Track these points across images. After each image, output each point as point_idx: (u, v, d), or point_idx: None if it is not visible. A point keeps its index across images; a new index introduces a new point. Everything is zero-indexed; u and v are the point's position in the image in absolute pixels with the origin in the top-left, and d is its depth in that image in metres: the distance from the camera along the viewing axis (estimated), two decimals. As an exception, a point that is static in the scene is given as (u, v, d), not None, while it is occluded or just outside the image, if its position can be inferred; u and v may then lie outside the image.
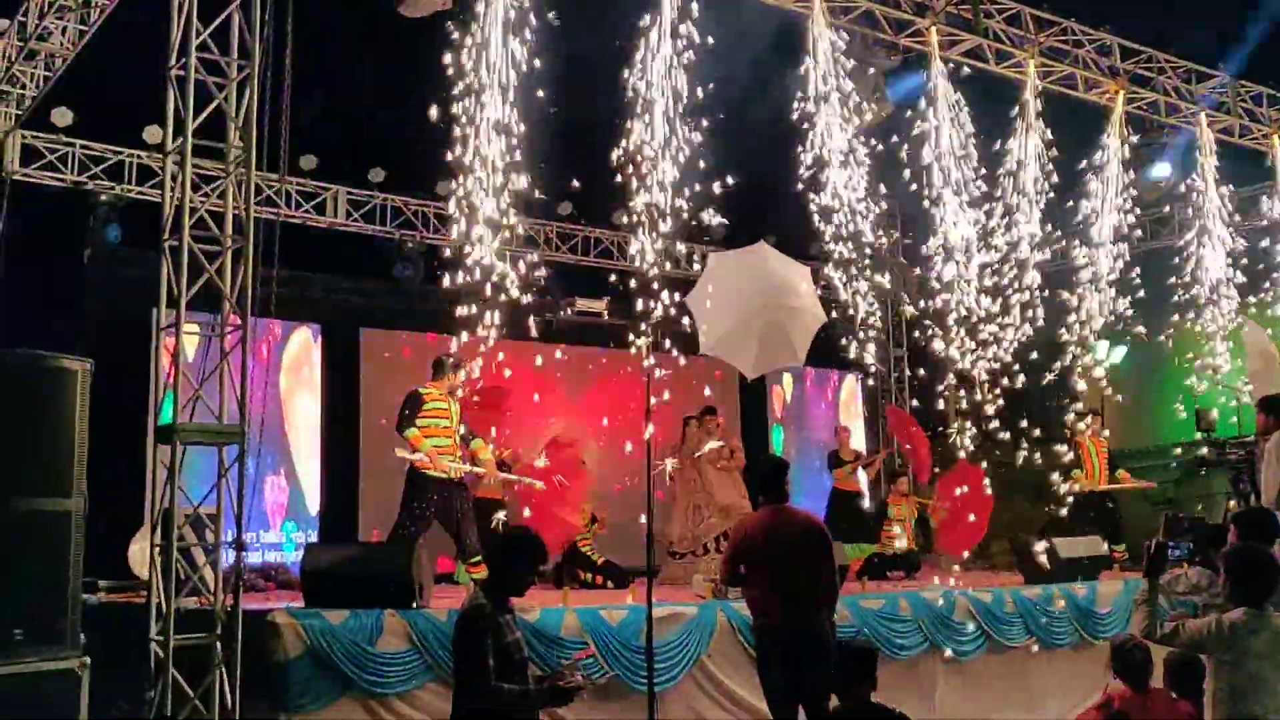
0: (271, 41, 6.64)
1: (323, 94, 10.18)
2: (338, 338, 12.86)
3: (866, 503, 12.50)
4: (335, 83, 10.86)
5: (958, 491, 10.84)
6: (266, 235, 6.91)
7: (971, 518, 10.80)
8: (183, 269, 6.37)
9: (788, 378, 15.64)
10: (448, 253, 8.08)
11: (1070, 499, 11.15)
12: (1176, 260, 12.18)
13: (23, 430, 5.67)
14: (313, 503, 12.41)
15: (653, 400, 6.84)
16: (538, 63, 7.78)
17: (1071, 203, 11.23)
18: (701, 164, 8.21)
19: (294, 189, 12.31)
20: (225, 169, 6.69)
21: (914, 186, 9.93)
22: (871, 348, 9.68)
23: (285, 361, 12.33)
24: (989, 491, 10.81)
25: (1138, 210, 11.96)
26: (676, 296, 8.15)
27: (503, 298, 8.15)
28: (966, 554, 11.27)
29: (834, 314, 9.65)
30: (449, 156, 7.82)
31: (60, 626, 5.62)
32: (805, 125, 9.31)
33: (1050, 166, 10.55)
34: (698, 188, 8.23)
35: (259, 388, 6.77)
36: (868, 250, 9.55)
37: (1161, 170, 11.62)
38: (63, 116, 10.78)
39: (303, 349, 12.54)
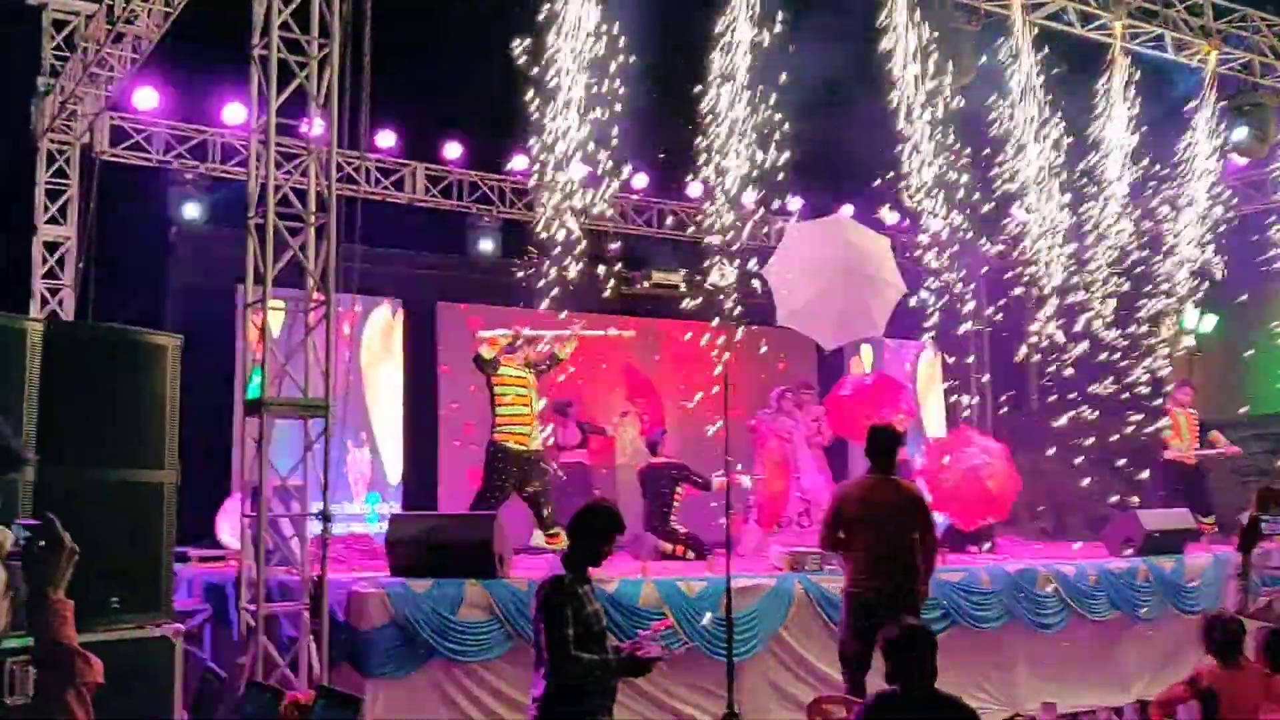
0: (350, 20, 6.70)
1: (401, 71, 10.26)
2: (416, 312, 13.02)
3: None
4: (413, 60, 10.93)
5: (945, 459, 10.59)
6: (347, 212, 7.00)
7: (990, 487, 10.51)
8: (268, 246, 6.49)
9: (866, 349, 15.48)
10: (523, 226, 8.14)
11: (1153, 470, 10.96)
12: (1271, 224, 11.85)
13: (117, 404, 5.82)
14: (394, 474, 12.61)
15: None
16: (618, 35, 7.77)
17: (1159, 169, 10.97)
18: (780, 134, 8.16)
19: (373, 165, 12.45)
20: (307, 147, 6.79)
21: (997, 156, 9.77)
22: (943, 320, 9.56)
23: (366, 336, 12.50)
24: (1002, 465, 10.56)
25: (1234, 174, 11.64)
26: (754, 268, 8.14)
27: (578, 270, 8.20)
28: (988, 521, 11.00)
29: (913, 282, 9.55)
30: (527, 129, 7.87)
31: (155, 594, 5.77)
32: (888, 94, 9.20)
33: (1138, 132, 10.31)
34: (777, 156, 8.17)
35: (342, 362, 6.88)
36: (949, 222, 9.43)
37: (1240, 134, 11.26)
38: (148, 98, 10.99)
39: (383, 323, 12.70)
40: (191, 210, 11.66)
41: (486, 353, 8.94)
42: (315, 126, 6.78)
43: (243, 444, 6.93)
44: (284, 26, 6.59)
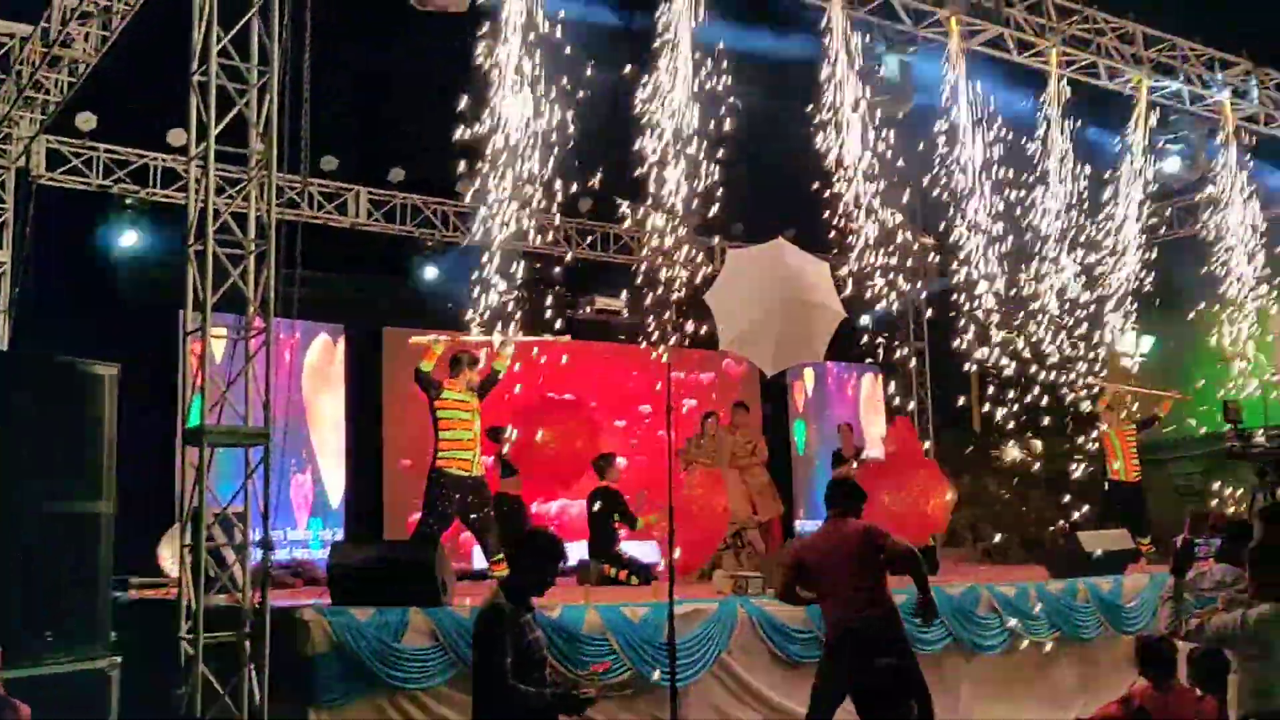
0: (290, 46, 6.70)
1: (342, 95, 10.26)
2: (360, 337, 12.96)
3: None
4: (354, 84, 10.93)
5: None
6: (289, 237, 6.96)
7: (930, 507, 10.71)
8: (207, 272, 6.44)
9: (809, 373, 15.64)
10: (467, 250, 8.15)
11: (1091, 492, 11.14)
12: (1202, 250, 12.11)
13: (54, 434, 5.76)
14: (338, 500, 12.53)
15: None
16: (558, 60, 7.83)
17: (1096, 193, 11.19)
18: (718, 161, 8.24)
19: (315, 190, 12.40)
20: (248, 173, 6.76)
21: (936, 181, 9.93)
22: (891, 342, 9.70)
23: (309, 362, 12.44)
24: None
25: (1163, 200, 11.93)
26: (697, 293, 8.19)
27: (522, 294, 8.22)
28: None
29: (854, 309, 9.65)
30: (469, 155, 7.90)
31: (91, 628, 5.70)
32: (825, 119, 9.32)
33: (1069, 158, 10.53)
34: (714, 183, 8.25)
35: (283, 389, 6.83)
36: (888, 245, 9.55)
37: (1172, 160, 11.55)
38: (87, 121, 10.87)
39: (326, 349, 12.64)
40: (131, 236, 11.53)
41: (426, 365, 8.91)
42: (256, 152, 6.75)
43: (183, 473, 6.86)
44: (223, 53, 6.57)
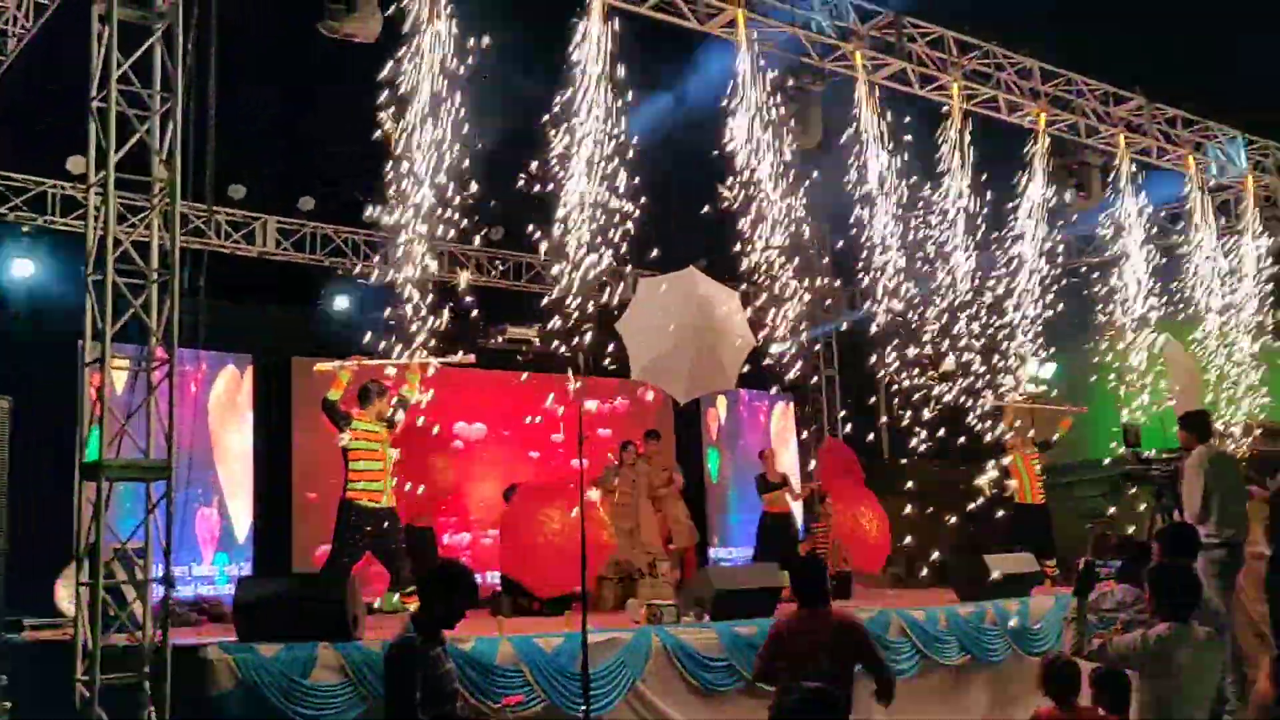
0: (194, 73, 6.60)
1: (251, 123, 10.12)
2: (269, 367, 12.74)
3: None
4: (264, 111, 10.80)
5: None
6: (194, 266, 6.84)
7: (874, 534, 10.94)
8: (107, 302, 6.30)
9: (722, 401, 15.73)
10: (377, 280, 8.09)
11: (1001, 513, 11.34)
12: (1100, 278, 12.45)
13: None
14: (246, 534, 12.26)
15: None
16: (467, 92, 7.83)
17: (992, 231, 11.46)
18: (630, 191, 8.30)
19: (222, 219, 12.21)
20: (150, 201, 6.63)
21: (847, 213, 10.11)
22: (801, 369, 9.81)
23: (215, 393, 12.19)
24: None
25: (1063, 230, 12.26)
26: (608, 323, 8.22)
27: (432, 324, 8.16)
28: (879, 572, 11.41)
29: (764, 337, 9.75)
30: (379, 183, 7.85)
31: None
32: (735, 151, 9.42)
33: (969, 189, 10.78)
34: (626, 214, 8.30)
35: (187, 421, 6.70)
36: (797, 274, 9.68)
37: (1069, 192, 11.91)
38: (-18, 147, 10.61)
39: (233, 380, 12.39)
40: (27, 265, 11.23)
41: (333, 394, 8.78)
42: (159, 180, 6.63)
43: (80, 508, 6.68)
44: (124, 79, 6.45)
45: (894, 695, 6.57)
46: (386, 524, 8.84)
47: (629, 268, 11.63)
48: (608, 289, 8.60)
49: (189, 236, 11.22)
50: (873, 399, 11.14)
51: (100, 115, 6.44)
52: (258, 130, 10.81)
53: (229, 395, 12.33)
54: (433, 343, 8.60)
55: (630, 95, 8.50)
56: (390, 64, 7.86)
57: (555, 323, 8.30)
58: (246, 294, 12.26)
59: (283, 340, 12.92)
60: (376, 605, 9.03)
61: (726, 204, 9.33)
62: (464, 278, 8.23)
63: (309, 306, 13.09)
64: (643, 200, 8.53)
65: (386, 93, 7.88)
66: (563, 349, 7.92)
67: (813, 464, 14.45)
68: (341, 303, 13.06)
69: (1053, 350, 12.57)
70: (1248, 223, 13.24)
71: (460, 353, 9.12)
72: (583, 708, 6.70)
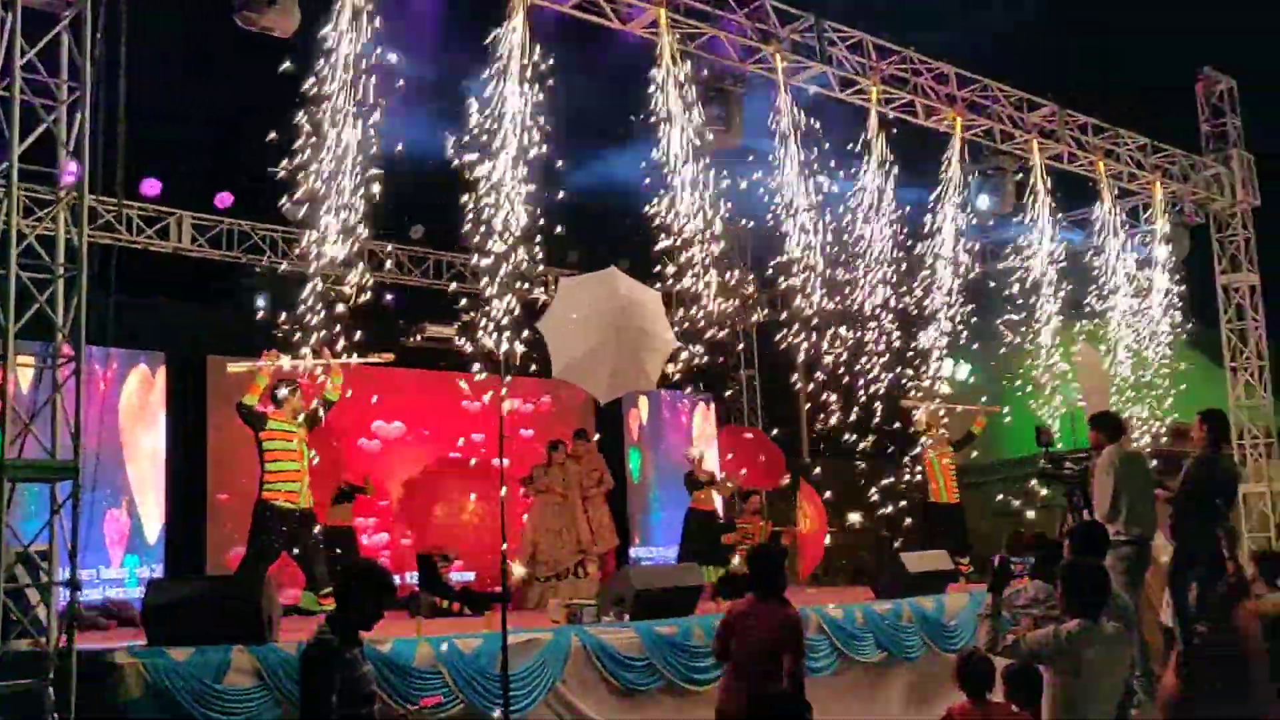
0: (104, 63, 6.44)
1: (165, 116, 9.93)
2: (183, 366, 12.48)
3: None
4: (179, 105, 10.60)
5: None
6: (104, 261, 6.69)
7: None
8: (9, 298, 6.12)
9: (644, 401, 15.75)
10: (295, 277, 7.97)
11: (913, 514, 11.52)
12: (1014, 282, 12.67)
13: None
14: (157, 536, 11.99)
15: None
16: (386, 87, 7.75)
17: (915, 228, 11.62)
18: (551, 190, 8.27)
19: (135, 214, 11.94)
20: (57, 194, 6.46)
21: (766, 215, 10.17)
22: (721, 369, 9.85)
23: (127, 391, 11.90)
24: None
25: (978, 233, 12.48)
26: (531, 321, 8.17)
27: (350, 322, 8.06)
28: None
29: (685, 337, 9.78)
30: (297, 180, 7.73)
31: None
32: (654, 150, 9.43)
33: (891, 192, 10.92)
34: (548, 212, 8.28)
35: (95, 420, 6.54)
36: (717, 274, 9.71)
37: (983, 201, 12.13)
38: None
39: (145, 378, 12.10)
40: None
41: (249, 399, 8.63)
42: (65, 173, 6.46)
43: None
44: (29, 68, 6.28)
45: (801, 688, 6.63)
46: (302, 525, 8.71)
47: (540, 267, 11.63)
48: (528, 287, 8.55)
49: (99, 231, 11.00)
50: (792, 398, 11.21)
51: (3, 105, 6.26)
52: (174, 124, 10.61)
53: (140, 394, 12.05)
54: (351, 341, 8.50)
55: (551, 91, 8.46)
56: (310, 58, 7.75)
57: (478, 321, 8.24)
58: (160, 291, 12.02)
59: (198, 338, 12.68)
60: (299, 605, 8.90)
61: (648, 204, 9.34)
62: (353, 274, 8.06)
63: (225, 304, 12.84)
64: (561, 195, 8.51)
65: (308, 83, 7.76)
66: (484, 348, 7.87)
67: (729, 455, 14.56)
68: (259, 300, 12.81)
69: (968, 351, 12.78)
70: (1156, 227, 13.59)
71: (379, 354, 9.03)
72: (502, 709, 6.66)
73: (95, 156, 6.51)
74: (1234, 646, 6.71)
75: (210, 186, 12.47)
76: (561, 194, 8.55)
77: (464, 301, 8.63)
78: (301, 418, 8.79)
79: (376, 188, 8.00)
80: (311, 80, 7.79)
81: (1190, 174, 14.12)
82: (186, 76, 10.45)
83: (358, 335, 8.68)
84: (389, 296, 9.11)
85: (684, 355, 9.41)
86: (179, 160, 11.80)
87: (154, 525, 11.98)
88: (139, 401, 12.01)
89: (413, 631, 7.54)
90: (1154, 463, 8.99)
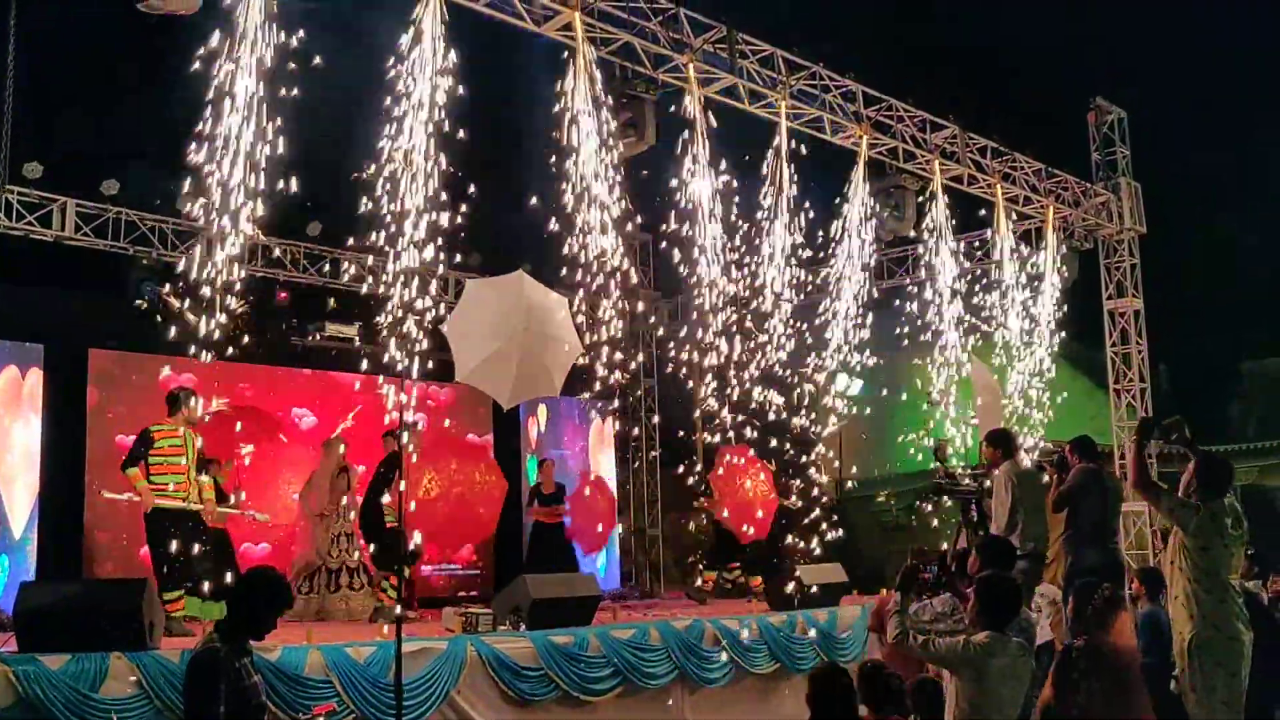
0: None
1: (51, 99, 9.54)
2: (63, 358, 11.97)
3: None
4: (67, 86, 10.19)
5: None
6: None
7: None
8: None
9: (543, 408, 15.61)
10: (186, 271, 7.68)
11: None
12: (910, 298, 12.85)
13: None
14: (29, 537, 11.45)
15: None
16: (289, 83, 7.51)
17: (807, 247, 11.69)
18: (455, 190, 8.12)
19: (15, 199, 11.41)
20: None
21: (671, 222, 10.13)
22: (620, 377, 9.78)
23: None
24: None
25: (878, 251, 12.61)
26: (433, 323, 8.02)
27: (244, 320, 7.82)
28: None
29: (588, 344, 9.69)
30: (190, 171, 7.46)
31: None
32: (562, 154, 9.33)
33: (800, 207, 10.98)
34: (449, 215, 8.12)
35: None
36: (620, 281, 9.64)
37: (885, 215, 12.30)
38: None
39: (18, 369, 11.56)
40: None
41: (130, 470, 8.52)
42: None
43: None
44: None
45: None
46: (195, 529, 8.48)
47: (441, 269, 11.46)
48: (432, 288, 8.38)
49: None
50: (687, 409, 11.20)
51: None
52: (60, 106, 10.19)
53: (13, 387, 11.50)
54: (241, 345, 8.23)
55: (459, 91, 8.31)
56: (208, 45, 7.46)
57: (379, 321, 8.05)
58: (41, 280, 11.52)
59: (80, 331, 12.18)
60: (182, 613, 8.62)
61: (553, 207, 9.23)
62: (236, 267, 7.83)
63: (110, 296, 12.32)
64: (470, 192, 8.37)
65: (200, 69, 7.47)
66: (385, 349, 7.69)
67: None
68: (147, 292, 12.34)
69: (862, 366, 12.92)
70: (1048, 250, 13.91)
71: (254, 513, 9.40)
72: (395, 718, 6.50)
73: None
74: (1107, 658, 6.86)
75: (98, 173, 11.97)
76: (470, 191, 8.38)
77: (362, 302, 8.41)
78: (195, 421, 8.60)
79: (280, 183, 7.75)
80: (203, 62, 7.49)
81: (1081, 200, 14.50)
82: (81, 58, 10.03)
83: (250, 333, 8.42)
84: (282, 295, 8.84)
85: (583, 362, 9.34)
86: (64, 145, 11.32)
87: (25, 526, 11.43)
88: (11, 395, 11.46)
89: (302, 639, 7.33)
90: (1045, 479, 9.16)
